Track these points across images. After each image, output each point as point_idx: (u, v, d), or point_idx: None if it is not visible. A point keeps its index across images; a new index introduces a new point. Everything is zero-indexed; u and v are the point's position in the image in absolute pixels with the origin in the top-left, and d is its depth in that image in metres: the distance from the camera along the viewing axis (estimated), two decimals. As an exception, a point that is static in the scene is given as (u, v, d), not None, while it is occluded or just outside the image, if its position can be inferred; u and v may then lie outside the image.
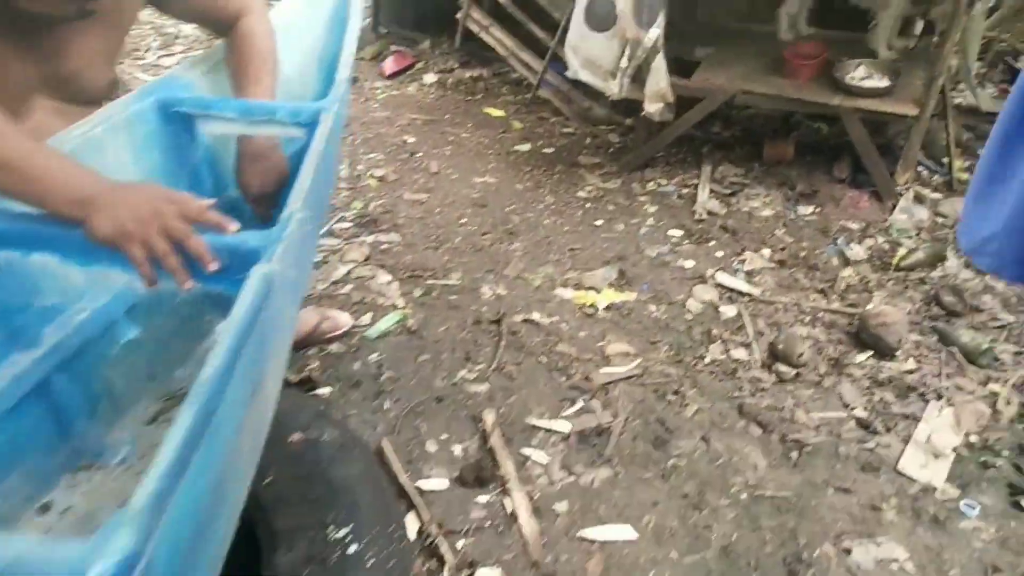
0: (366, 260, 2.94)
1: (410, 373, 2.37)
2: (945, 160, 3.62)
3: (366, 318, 2.61)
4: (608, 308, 2.72)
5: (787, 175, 3.61)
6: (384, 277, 2.84)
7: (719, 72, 3.57)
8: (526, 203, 3.43)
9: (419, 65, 5.12)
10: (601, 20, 3.19)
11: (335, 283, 2.79)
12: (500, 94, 4.72)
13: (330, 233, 3.10)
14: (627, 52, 3.18)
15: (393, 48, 5.33)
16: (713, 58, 3.78)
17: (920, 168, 3.63)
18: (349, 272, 2.85)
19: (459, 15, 4.70)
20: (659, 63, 3.19)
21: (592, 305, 2.74)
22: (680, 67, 3.57)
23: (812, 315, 2.72)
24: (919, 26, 3.93)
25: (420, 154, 3.86)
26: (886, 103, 3.24)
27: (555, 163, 3.83)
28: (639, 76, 3.26)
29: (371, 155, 3.81)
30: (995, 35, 4.78)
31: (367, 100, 4.57)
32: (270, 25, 1.73)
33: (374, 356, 2.44)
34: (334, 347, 2.46)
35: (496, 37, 4.57)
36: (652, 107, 3.30)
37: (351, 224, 3.18)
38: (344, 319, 2.52)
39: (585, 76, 3.38)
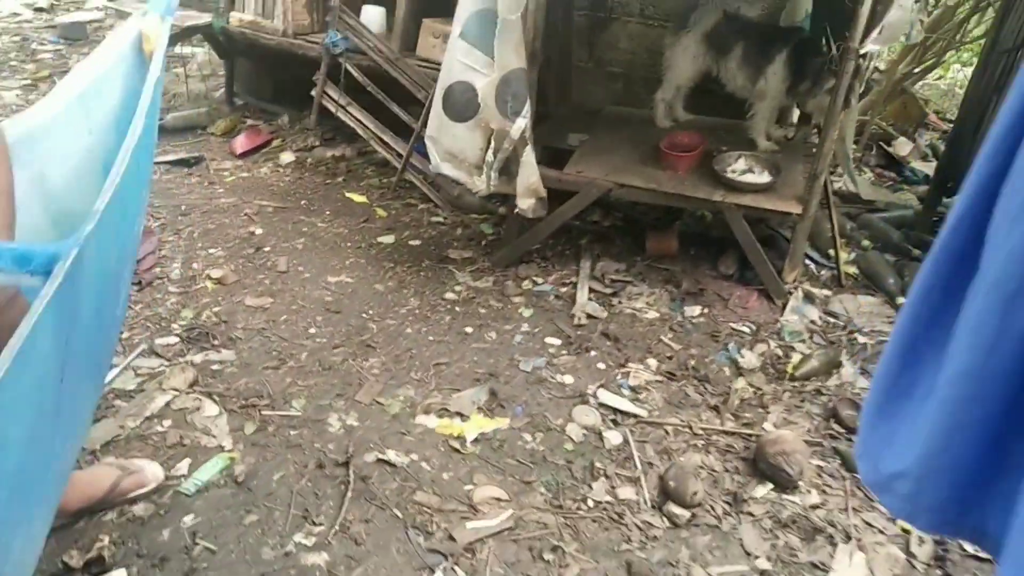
0: (191, 386, 2.47)
1: (232, 541, 1.92)
2: (831, 252, 3.47)
3: (183, 466, 2.14)
4: (477, 440, 2.35)
5: (672, 271, 3.37)
6: (211, 409, 2.38)
7: (593, 163, 3.30)
8: (387, 307, 3.04)
9: (276, 142, 4.67)
10: (461, 109, 2.84)
11: (149, 419, 2.31)
12: (365, 176, 4.33)
13: (152, 352, 2.62)
14: (492, 145, 2.86)
15: (248, 123, 4.89)
16: (587, 147, 3.52)
17: (808, 263, 3.47)
18: (169, 403, 2.38)
19: (314, 92, 4.28)
20: (528, 156, 2.88)
21: (459, 436, 2.36)
22: (552, 156, 3.30)
23: (705, 438, 2.43)
24: (795, 115, 3.84)
25: (268, 248, 3.42)
26: (769, 199, 3.05)
27: (422, 258, 3.46)
28: (508, 169, 2.93)
29: (210, 250, 3.35)
30: (867, 119, 4.79)
31: (212, 184, 4.08)
32: (2, 146, 1.32)
33: (189, 519, 1.98)
34: (139, 508, 1.99)
35: (355, 117, 4.17)
36: (524, 203, 2.98)
37: (178, 340, 2.70)
38: (152, 472, 2.05)
39: (447, 170, 3.01)
